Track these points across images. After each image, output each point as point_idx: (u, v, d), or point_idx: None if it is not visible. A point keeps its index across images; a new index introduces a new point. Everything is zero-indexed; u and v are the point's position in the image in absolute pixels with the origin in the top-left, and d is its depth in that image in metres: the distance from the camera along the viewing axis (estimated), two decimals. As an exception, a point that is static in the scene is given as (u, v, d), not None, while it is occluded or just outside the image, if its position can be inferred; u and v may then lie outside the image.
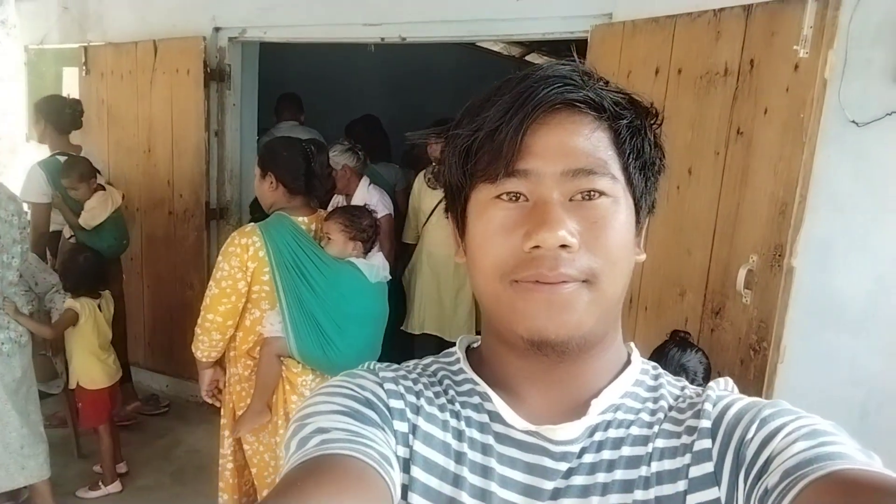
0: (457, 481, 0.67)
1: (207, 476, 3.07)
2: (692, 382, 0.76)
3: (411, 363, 0.80)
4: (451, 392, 0.73)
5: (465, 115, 0.68)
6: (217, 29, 4.01)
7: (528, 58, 7.51)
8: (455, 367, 0.77)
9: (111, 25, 4.54)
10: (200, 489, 3.23)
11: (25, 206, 3.21)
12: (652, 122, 0.69)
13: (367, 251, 2.58)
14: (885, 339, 2.48)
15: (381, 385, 0.72)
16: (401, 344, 3.88)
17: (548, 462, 0.66)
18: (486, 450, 0.68)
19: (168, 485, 3.41)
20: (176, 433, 3.88)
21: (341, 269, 2.51)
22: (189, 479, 3.41)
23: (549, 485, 0.66)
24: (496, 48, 6.81)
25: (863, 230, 2.50)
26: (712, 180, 2.41)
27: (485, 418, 0.70)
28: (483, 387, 0.72)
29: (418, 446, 0.68)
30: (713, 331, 2.41)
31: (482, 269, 0.66)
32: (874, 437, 2.32)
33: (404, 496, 0.67)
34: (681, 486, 0.62)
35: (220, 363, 2.62)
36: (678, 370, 2.06)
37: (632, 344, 0.76)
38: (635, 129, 0.67)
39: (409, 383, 0.73)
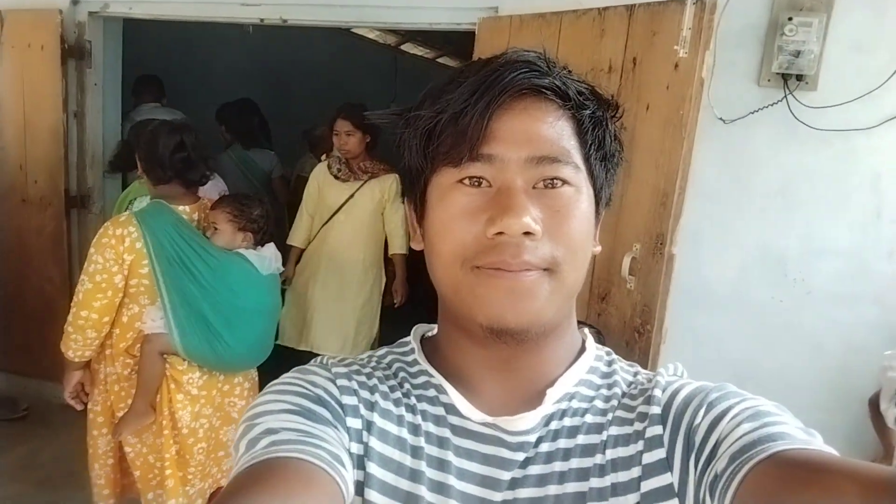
0: (414, 476, 0.67)
1: (79, 482, 2.86)
2: None
3: (365, 355, 0.78)
4: (407, 385, 0.72)
5: (427, 96, 0.66)
6: (75, 2, 3.69)
7: (403, 47, 7.51)
8: (410, 359, 0.76)
9: (-54, -8, 4.06)
10: (73, 496, 3.00)
11: None
12: (612, 114, 0.70)
13: (258, 242, 2.47)
14: (747, 322, 2.72)
15: (333, 381, 0.70)
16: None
17: (505, 453, 0.67)
18: (442, 443, 0.68)
19: (34, 494, 3.14)
20: (39, 439, 3.58)
21: (229, 260, 2.40)
22: (59, 486, 3.16)
23: (506, 475, 0.66)
24: (371, 35, 6.74)
25: (728, 220, 2.71)
26: (598, 172, 2.52)
27: (440, 411, 0.70)
28: (438, 378, 0.71)
29: (374, 442, 0.67)
30: (599, 315, 2.53)
31: (441, 255, 0.65)
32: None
33: (360, 492, 0.65)
34: (635, 472, 0.63)
35: (87, 364, 2.43)
36: None
37: (585, 330, 0.77)
38: (598, 120, 0.67)
39: (363, 378, 0.72)
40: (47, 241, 3.81)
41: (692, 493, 0.59)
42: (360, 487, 0.66)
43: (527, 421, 0.67)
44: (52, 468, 3.31)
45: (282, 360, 2.15)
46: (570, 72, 0.67)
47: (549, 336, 0.68)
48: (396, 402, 0.70)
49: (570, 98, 0.64)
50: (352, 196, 3.47)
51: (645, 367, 2.36)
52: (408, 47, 7.61)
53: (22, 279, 3.91)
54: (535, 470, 0.66)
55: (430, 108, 0.64)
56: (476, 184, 0.63)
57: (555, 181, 0.63)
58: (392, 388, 0.72)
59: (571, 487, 0.64)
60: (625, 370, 0.74)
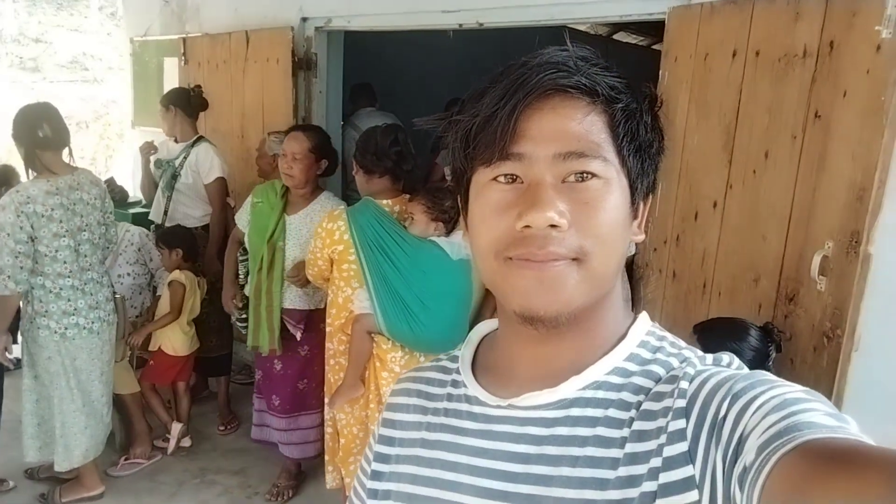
0: (431, 463, 0.77)
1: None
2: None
3: (442, 362, 0.88)
4: (449, 388, 0.82)
5: (468, 101, 0.71)
6: (304, 19, 4.18)
7: (615, 36, 7.40)
8: (456, 366, 0.84)
9: (207, 17, 4.80)
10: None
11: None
12: (650, 105, 0.71)
13: (449, 231, 2.67)
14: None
15: (371, 446, 0.86)
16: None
17: (513, 428, 0.72)
18: (459, 431, 0.77)
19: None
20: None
21: (423, 247, 2.62)
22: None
23: (519, 448, 0.71)
24: (582, 27, 6.75)
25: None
26: (789, 165, 2.36)
27: (464, 406, 0.78)
28: (464, 376, 0.80)
29: (398, 459, 0.82)
30: (787, 317, 2.37)
31: (479, 248, 0.71)
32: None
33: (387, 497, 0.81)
34: (654, 463, 0.63)
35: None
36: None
37: (642, 315, 0.77)
38: (630, 113, 0.68)
39: (419, 400, 0.84)
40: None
41: (721, 486, 0.58)
42: (386, 495, 0.81)
43: (537, 398, 0.71)
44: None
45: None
46: (605, 68, 0.68)
47: (583, 323, 0.70)
48: (435, 412, 0.81)
49: (600, 94, 0.66)
50: None
51: (834, 376, 2.20)
52: (620, 36, 7.48)
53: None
54: (550, 450, 0.69)
55: (469, 112, 0.69)
56: (510, 180, 0.68)
57: (584, 175, 0.66)
58: (438, 397, 0.83)
59: (585, 472, 0.66)
60: (669, 357, 0.73)
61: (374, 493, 0.82)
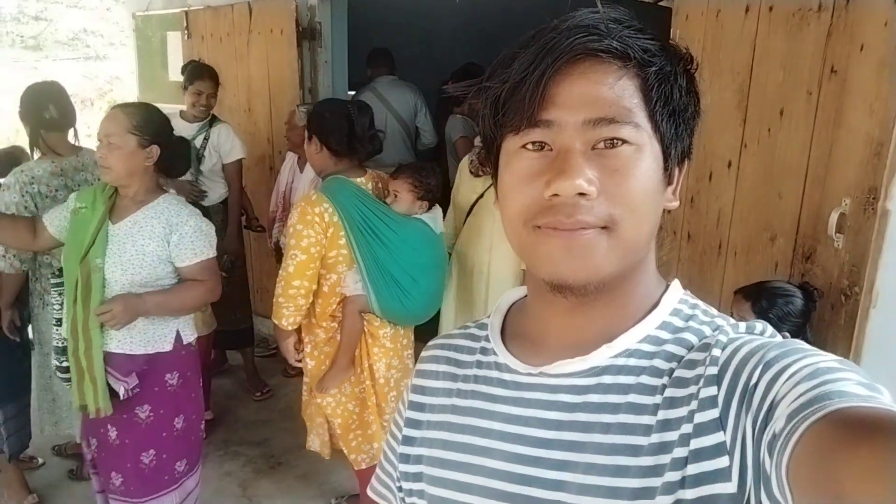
0: (462, 429, 0.78)
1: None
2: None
3: (470, 329, 0.88)
4: (478, 355, 0.82)
5: (497, 66, 0.68)
6: (308, -12, 4.12)
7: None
8: (485, 333, 0.84)
9: (209, -11, 4.74)
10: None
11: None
12: (686, 67, 0.68)
13: (429, 208, 2.65)
14: None
15: (401, 412, 0.88)
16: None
17: (544, 395, 0.72)
18: (490, 398, 0.77)
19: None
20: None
21: (409, 223, 2.59)
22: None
23: (550, 415, 0.71)
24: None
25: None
26: (804, 122, 2.34)
27: (494, 373, 0.78)
28: (494, 343, 0.80)
29: (429, 424, 0.83)
30: (803, 275, 2.37)
31: (509, 216, 0.69)
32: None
33: (419, 462, 0.82)
34: (685, 429, 0.63)
35: (297, 330, 2.69)
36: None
37: (674, 283, 0.76)
38: (664, 76, 0.66)
39: (450, 368, 0.85)
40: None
41: (751, 453, 0.58)
42: (418, 459, 0.82)
43: (567, 366, 0.71)
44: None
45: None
46: (639, 30, 0.66)
47: (613, 291, 0.70)
48: (465, 379, 0.82)
49: (632, 57, 0.64)
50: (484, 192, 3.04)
51: (852, 333, 2.20)
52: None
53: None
54: (582, 417, 0.69)
55: (497, 78, 0.67)
56: (539, 148, 0.66)
57: (614, 141, 0.64)
58: (468, 364, 0.83)
59: (617, 439, 0.66)
60: (702, 325, 0.72)
61: (405, 458, 0.83)
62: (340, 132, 2.55)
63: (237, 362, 4.37)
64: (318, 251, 2.47)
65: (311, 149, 2.62)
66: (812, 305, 2.17)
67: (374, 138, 2.65)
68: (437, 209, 2.71)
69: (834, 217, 2.22)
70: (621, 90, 0.64)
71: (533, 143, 0.66)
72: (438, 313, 2.96)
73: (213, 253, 2.39)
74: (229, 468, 3.45)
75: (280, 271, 2.52)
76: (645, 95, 0.65)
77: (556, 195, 0.64)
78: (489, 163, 0.75)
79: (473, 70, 4.50)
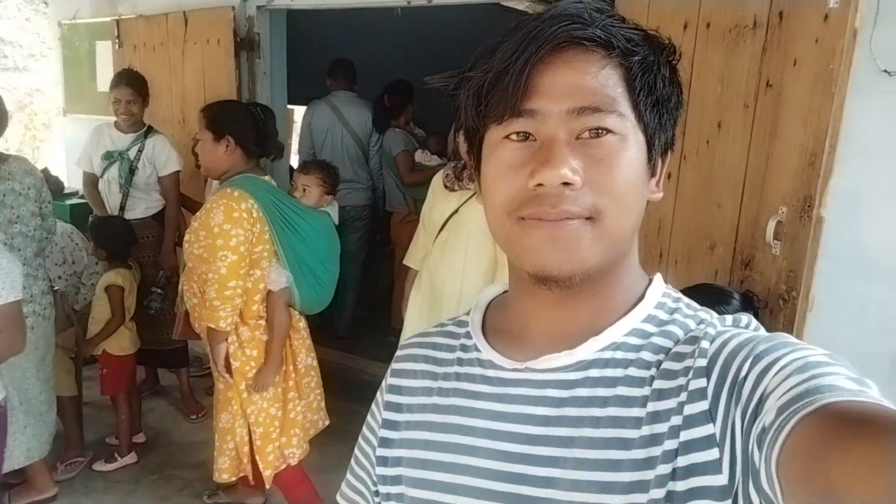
0: (445, 428, 0.76)
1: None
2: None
3: (447, 327, 0.85)
4: (458, 353, 0.80)
5: (479, 57, 0.68)
6: (245, -2, 4.06)
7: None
8: (464, 330, 0.82)
9: (141, -2, 4.61)
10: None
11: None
12: (668, 58, 0.68)
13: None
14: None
15: (377, 412, 0.84)
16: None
17: (531, 391, 0.71)
18: (474, 395, 0.75)
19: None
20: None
21: (318, 214, 2.79)
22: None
23: (538, 411, 0.70)
24: (521, 7, 6.75)
25: (893, 181, 2.50)
26: (742, 133, 2.43)
27: (478, 370, 0.76)
28: (476, 340, 0.78)
29: (407, 425, 0.80)
30: (742, 282, 2.45)
31: (492, 208, 0.68)
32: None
33: (397, 464, 0.79)
34: (675, 421, 0.63)
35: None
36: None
37: (657, 277, 0.76)
38: (647, 66, 0.65)
39: (426, 366, 0.82)
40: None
41: (740, 445, 0.58)
42: (396, 461, 0.79)
43: (554, 360, 0.70)
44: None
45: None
46: (622, 20, 0.66)
47: (598, 283, 0.69)
48: (446, 377, 0.79)
49: (615, 46, 0.64)
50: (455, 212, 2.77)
51: (791, 335, 2.28)
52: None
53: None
54: (570, 412, 0.68)
55: (480, 68, 0.66)
56: (523, 138, 0.65)
57: (599, 131, 0.63)
58: (448, 362, 0.80)
59: (608, 433, 0.66)
60: (686, 318, 0.72)
61: (383, 461, 0.80)
62: (255, 132, 2.65)
63: (169, 382, 4.21)
64: (246, 249, 2.49)
65: (220, 149, 2.59)
66: (752, 311, 2.23)
67: (280, 142, 2.88)
68: (335, 202, 2.94)
69: (771, 225, 2.31)
70: (605, 79, 0.64)
71: (517, 133, 0.66)
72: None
73: (14, 296, 2.03)
74: (165, 493, 3.31)
75: (208, 274, 2.47)
76: (629, 85, 0.65)
77: (540, 185, 0.63)
78: (473, 154, 0.74)
79: (402, 86, 4.59)
